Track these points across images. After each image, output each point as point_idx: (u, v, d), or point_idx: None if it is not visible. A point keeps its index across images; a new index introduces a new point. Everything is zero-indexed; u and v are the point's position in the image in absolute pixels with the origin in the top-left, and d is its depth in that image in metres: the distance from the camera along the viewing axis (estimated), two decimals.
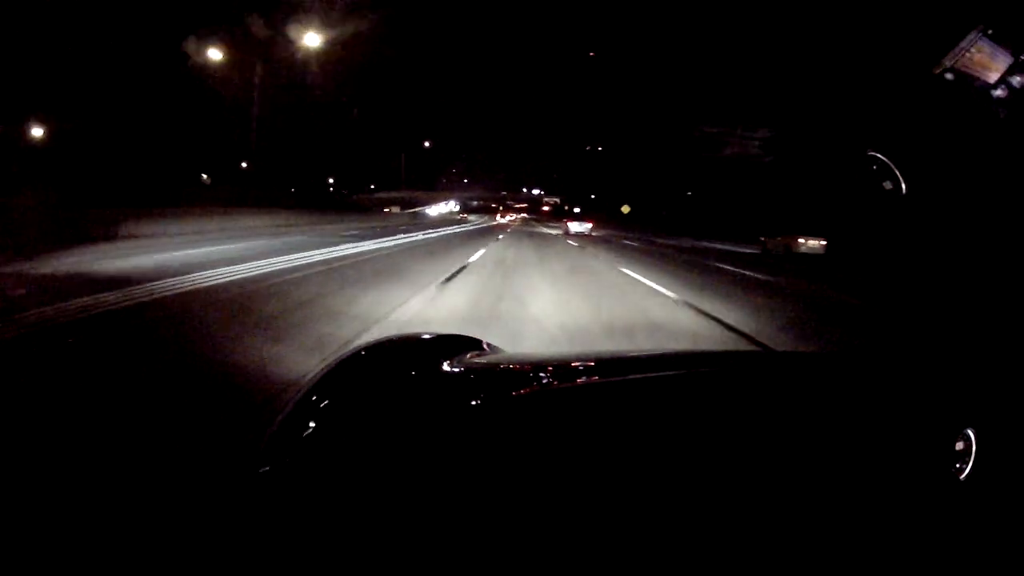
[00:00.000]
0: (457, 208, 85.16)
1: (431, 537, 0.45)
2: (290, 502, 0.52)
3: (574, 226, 24.74)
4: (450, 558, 0.43)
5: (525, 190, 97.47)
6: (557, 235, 23.23)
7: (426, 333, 1.08)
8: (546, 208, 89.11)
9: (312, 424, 0.68)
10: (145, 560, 0.50)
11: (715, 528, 0.47)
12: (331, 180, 47.33)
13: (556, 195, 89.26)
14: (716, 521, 0.47)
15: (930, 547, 0.47)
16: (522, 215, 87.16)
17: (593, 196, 65.06)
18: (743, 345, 3.91)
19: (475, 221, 47.42)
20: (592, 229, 24.90)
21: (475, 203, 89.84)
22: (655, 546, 0.45)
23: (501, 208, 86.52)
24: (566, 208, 64.62)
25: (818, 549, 0.46)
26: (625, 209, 34.27)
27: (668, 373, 0.92)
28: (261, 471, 0.58)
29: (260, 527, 0.48)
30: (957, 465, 0.55)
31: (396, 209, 48.21)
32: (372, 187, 66.87)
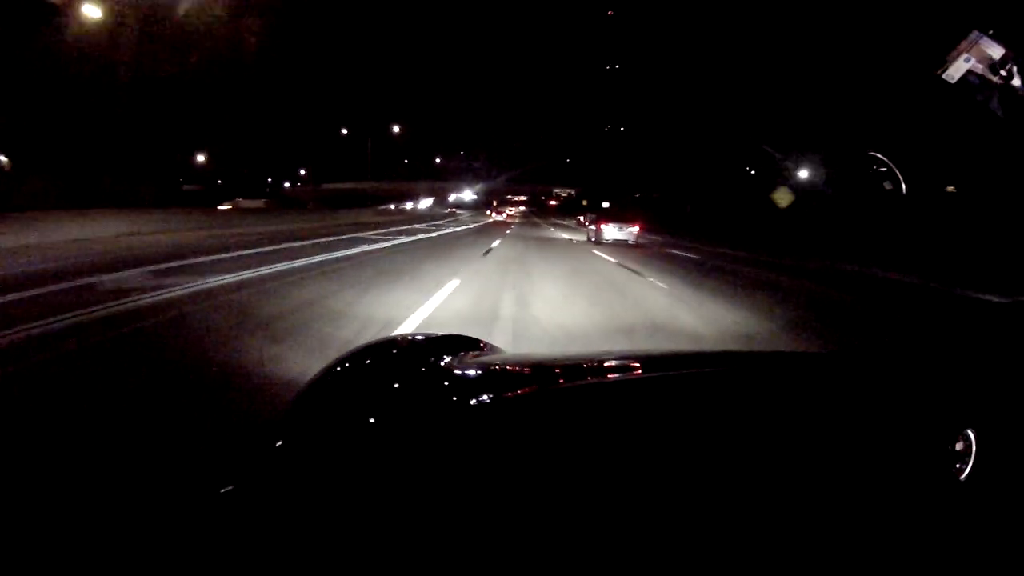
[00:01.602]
0: (429, 204, 65.97)
1: (428, 535, 0.45)
2: (284, 502, 0.52)
3: (611, 231, 15.25)
4: (447, 557, 0.43)
5: (529, 186, 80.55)
6: (578, 243, 15.46)
7: (427, 333, 1.09)
8: (553, 203, 74.76)
9: (309, 423, 0.69)
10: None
11: (716, 528, 0.47)
12: (199, 158, 33.42)
13: (570, 186, 70.19)
14: (716, 521, 0.48)
15: (930, 547, 0.47)
16: (520, 208, 75.59)
17: (611, 186, 47.21)
18: None
19: (453, 222, 30.14)
20: (639, 235, 15.61)
21: (473, 198, 74.97)
22: (656, 546, 0.45)
23: (495, 203, 72.70)
24: (584, 203, 46.89)
25: (819, 549, 0.46)
26: (783, 200, 19.59)
27: (668, 373, 0.93)
28: (255, 471, 0.59)
29: (249, 537, 0.48)
30: (957, 465, 0.55)
31: (249, 204, 31.79)
32: (302, 174, 54.49)
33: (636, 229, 15.48)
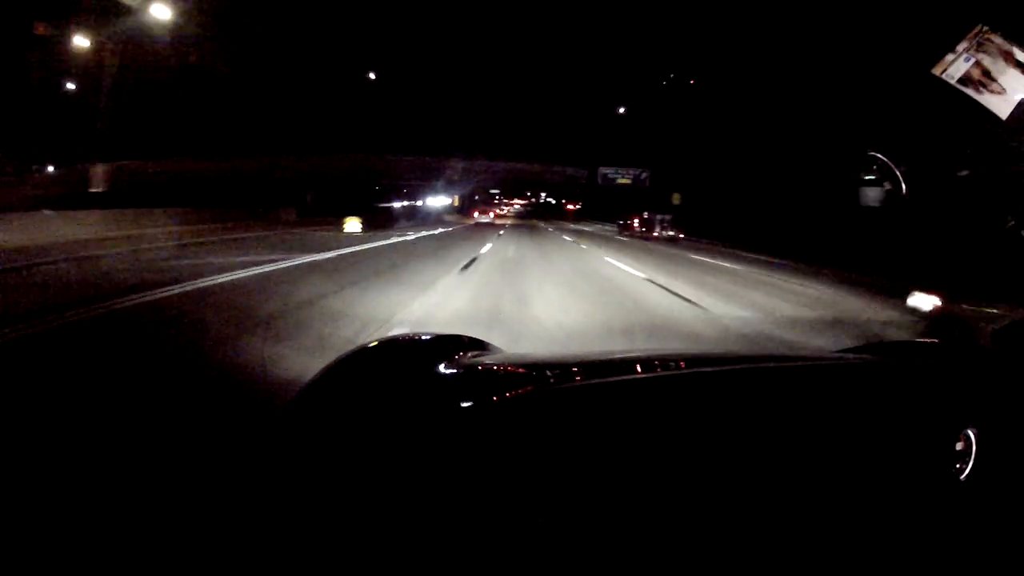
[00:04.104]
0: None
1: (426, 536, 0.45)
2: (287, 500, 0.52)
3: None
4: (445, 557, 0.44)
5: (546, 167, 39.74)
6: None
7: (428, 333, 1.09)
8: (571, 207, 55.54)
9: (309, 423, 0.69)
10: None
11: (716, 529, 0.47)
12: None
13: (633, 167, 33.49)
14: (717, 522, 0.48)
15: (930, 547, 0.47)
16: (514, 207, 57.47)
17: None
18: None
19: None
20: None
21: (443, 203, 41.93)
22: (656, 548, 0.45)
23: (465, 201, 47.28)
24: (676, 200, 25.48)
25: (819, 549, 0.46)
26: None
27: (669, 374, 0.92)
28: (257, 471, 0.59)
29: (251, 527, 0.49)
30: (957, 465, 0.55)
31: None
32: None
33: None
